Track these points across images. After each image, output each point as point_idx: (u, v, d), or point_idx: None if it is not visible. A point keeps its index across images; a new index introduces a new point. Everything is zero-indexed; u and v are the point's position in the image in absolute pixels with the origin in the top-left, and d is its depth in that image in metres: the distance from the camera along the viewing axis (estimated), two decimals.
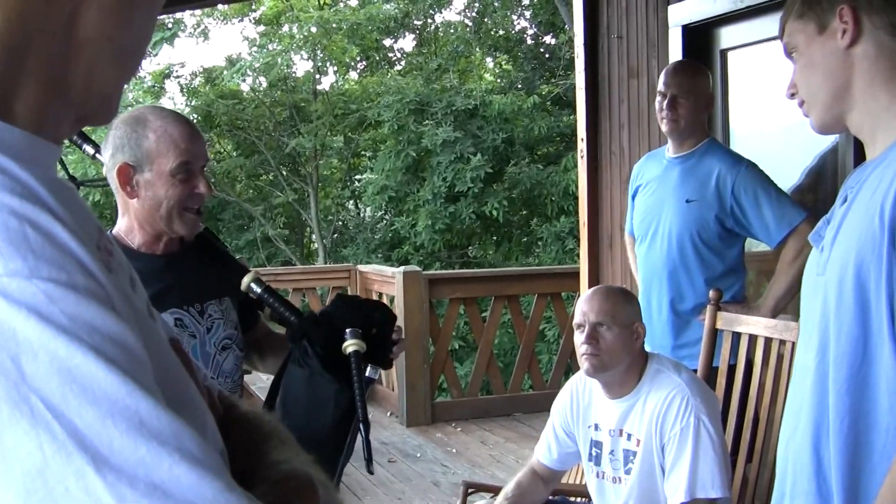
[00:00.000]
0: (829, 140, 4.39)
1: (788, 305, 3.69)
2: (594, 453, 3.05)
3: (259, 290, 2.31)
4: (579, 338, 2.93)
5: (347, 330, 2.15)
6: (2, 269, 0.60)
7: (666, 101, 3.80)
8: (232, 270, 2.42)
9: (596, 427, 3.04)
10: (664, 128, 3.86)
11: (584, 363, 2.93)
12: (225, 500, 0.60)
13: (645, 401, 2.90)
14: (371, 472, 2.27)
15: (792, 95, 1.89)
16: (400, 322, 7.18)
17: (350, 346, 2.13)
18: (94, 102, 0.83)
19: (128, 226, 2.37)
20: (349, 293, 8.03)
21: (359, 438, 2.24)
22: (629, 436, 2.93)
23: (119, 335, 0.63)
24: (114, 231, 2.39)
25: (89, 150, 2.39)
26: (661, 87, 3.85)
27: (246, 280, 2.29)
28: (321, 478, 0.89)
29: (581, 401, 3.10)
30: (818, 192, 4.53)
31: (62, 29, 0.76)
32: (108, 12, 0.79)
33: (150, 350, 0.67)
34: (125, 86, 0.88)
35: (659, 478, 2.87)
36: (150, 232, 2.36)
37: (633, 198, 4.15)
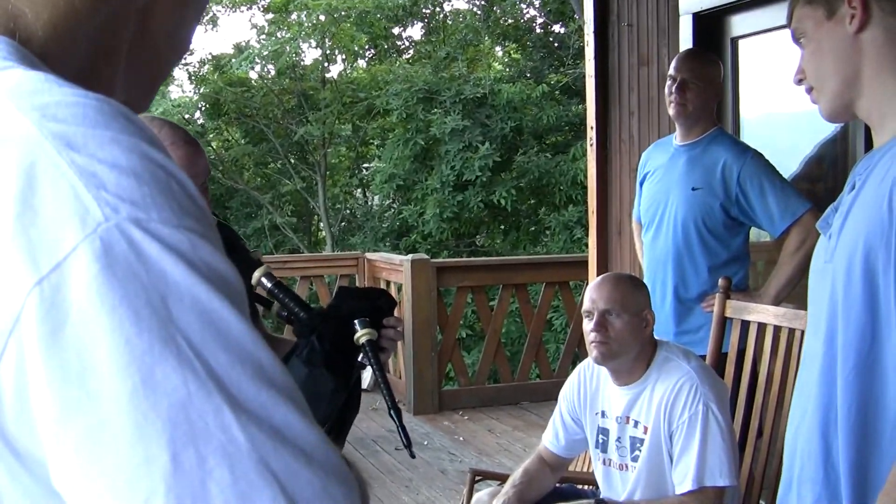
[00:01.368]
0: (836, 128, 4.38)
1: (791, 294, 3.70)
2: (601, 440, 3.05)
3: (269, 285, 2.30)
4: (588, 325, 2.92)
5: (356, 321, 2.15)
6: (156, 216, 0.63)
7: (675, 85, 3.80)
8: (243, 263, 2.41)
9: (603, 414, 3.04)
10: (671, 111, 3.87)
11: (592, 351, 2.92)
12: (325, 448, 0.64)
13: (653, 388, 2.89)
14: (413, 457, 2.30)
15: (800, 81, 1.88)
16: (408, 310, 7.23)
17: (363, 336, 2.13)
18: (141, 94, 0.86)
19: None
20: (357, 281, 8.05)
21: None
22: (636, 423, 2.93)
23: (240, 290, 0.67)
24: None
25: None
26: (671, 71, 3.87)
27: (257, 274, 2.28)
28: (349, 459, 0.90)
29: (588, 387, 3.10)
30: (829, 180, 4.52)
31: (137, 16, 0.80)
32: (171, 8, 0.82)
33: None
34: None
35: (667, 466, 2.87)
36: None
37: (641, 185, 4.16)
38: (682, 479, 2.79)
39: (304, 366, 2.13)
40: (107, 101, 0.68)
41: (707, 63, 3.92)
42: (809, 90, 1.87)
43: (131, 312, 0.60)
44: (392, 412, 2.13)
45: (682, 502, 2.80)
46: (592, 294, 2.95)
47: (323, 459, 0.63)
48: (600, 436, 3.05)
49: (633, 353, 2.91)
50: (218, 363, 0.62)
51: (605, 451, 3.03)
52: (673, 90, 3.82)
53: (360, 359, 2.16)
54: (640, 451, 2.91)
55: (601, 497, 3.05)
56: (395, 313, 2.30)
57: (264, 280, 2.29)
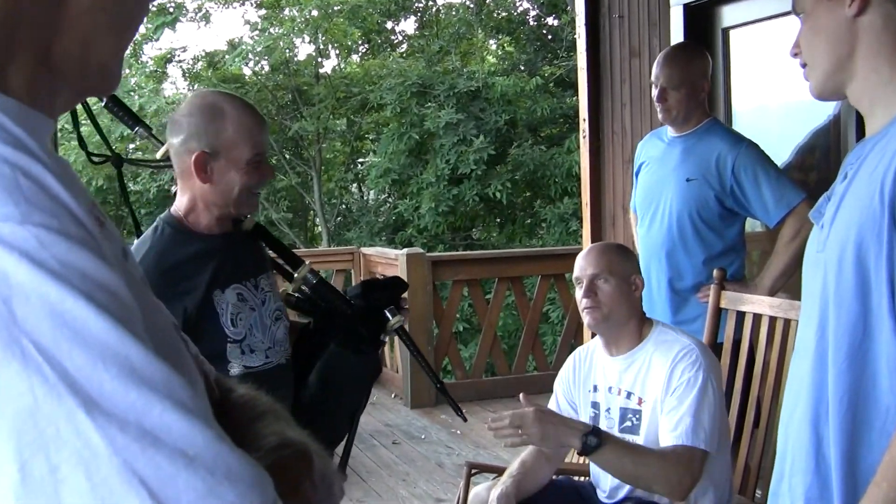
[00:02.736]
0: (827, 117, 4.38)
1: (787, 284, 3.70)
2: (593, 415, 3.06)
3: (315, 281, 2.54)
4: (579, 293, 2.96)
5: (386, 311, 2.48)
6: None
7: (656, 94, 3.82)
8: (288, 258, 2.63)
9: (595, 388, 3.06)
10: (659, 116, 3.89)
11: (585, 317, 2.97)
12: (216, 448, 0.60)
13: (650, 361, 2.89)
14: (465, 420, 2.93)
15: (796, 55, 1.87)
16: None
17: (395, 323, 2.49)
18: (93, 74, 0.83)
19: (191, 206, 2.48)
20: (353, 276, 8.05)
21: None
22: (629, 394, 2.94)
23: (110, 283, 0.63)
24: (172, 211, 2.51)
25: (141, 130, 2.53)
26: (652, 76, 3.87)
27: (303, 271, 2.50)
28: (317, 448, 0.89)
29: (582, 368, 3.13)
30: (821, 168, 4.52)
31: None
32: None
33: (144, 311, 0.68)
34: (126, 67, 0.87)
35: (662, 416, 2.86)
36: (217, 213, 2.47)
37: (637, 175, 4.17)
38: (672, 430, 2.76)
39: (353, 353, 2.46)
40: None
41: (685, 64, 3.86)
42: (803, 65, 1.87)
43: None
44: (438, 385, 2.71)
45: (664, 455, 2.76)
46: (581, 262, 3.01)
47: (210, 460, 0.59)
48: (592, 410, 3.06)
49: (625, 318, 2.95)
50: (73, 364, 0.58)
51: (596, 423, 3.04)
52: (655, 98, 3.84)
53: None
54: (634, 422, 2.91)
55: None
56: None
57: (309, 276, 2.56)
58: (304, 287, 2.54)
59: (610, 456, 2.73)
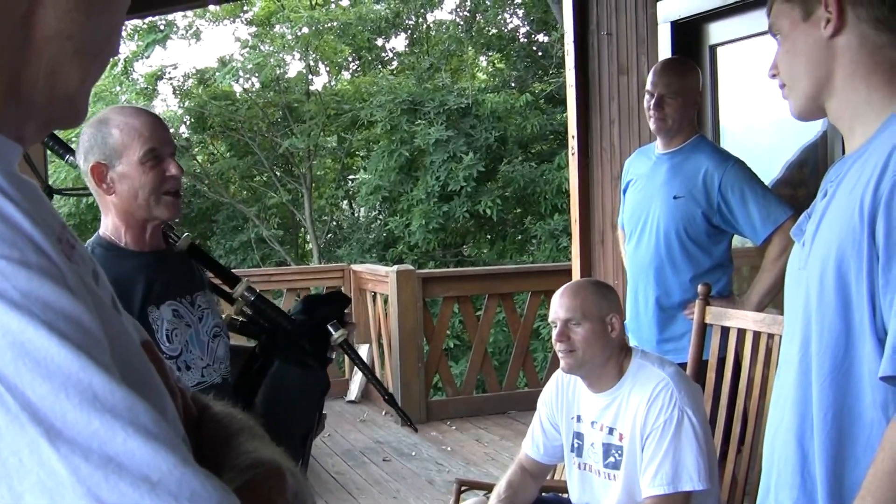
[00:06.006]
0: (816, 133, 4.40)
1: (774, 301, 3.72)
2: (576, 445, 3.06)
3: (252, 298, 2.50)
4: (554, 334, 2.95)
5: (329, 325, 2.46)
6: None
7: (653, 101, 3.82)
8: (224, 276, 2.58)
9: (578, 419, 3.05)
10: (652, 126, 3.89)
11: (561, 361, 2.95)
12: (181, 473, 0.61)
13: (629, 397, 2.89)
14: (416, 431, 2.75)
15: (773, 76, 1.89)
16: (394, 321, 7.32)
17: (339, 337, 2.46)
18: (59, 105, 0.82)
19: (114, 224, 2.46)
20: (342, 293, 8.07)
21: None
22: (611, 430, 2.94)
23: (73, 312, 0.64)
24: (100, 232, 2.49)
25: (71, 158, 2.50)
26: (648, 86, 3.88)
27: (239, 288, 2.46)
28: (290, 466, 0.90)
29: (566, 392, 3.12)
30: (810, 185, 4.54)
31: (18, 26, 0.76)
32: (65, 10, 0.78)
33: (111, 337, 0.68)
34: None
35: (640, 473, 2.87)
36: (136, 225, 2.45)
37: (624, 193, 4.18)
38: (652, 483, 2.78)
39: (299, 367, 2.44)
40: None
41: (683, 74, 3.91)
42: (782, 86, 1.88)
43: None
44: (385, 396, 2.61)
45: None
46: (554, 303, 2.99)
47: (174, 484, 0.60)
48: (576, 440, 3.06)
49: (602, 360, 2.92)
50: (36, 394, 0.59)
51: (580, 455, 3.04)
52: (651, 106, 3.84)
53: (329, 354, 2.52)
54: (616, 457, 2.91)
55: None
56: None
57: (246, 293, 2.47)
58: (245, 308, 2.52)
59: None
